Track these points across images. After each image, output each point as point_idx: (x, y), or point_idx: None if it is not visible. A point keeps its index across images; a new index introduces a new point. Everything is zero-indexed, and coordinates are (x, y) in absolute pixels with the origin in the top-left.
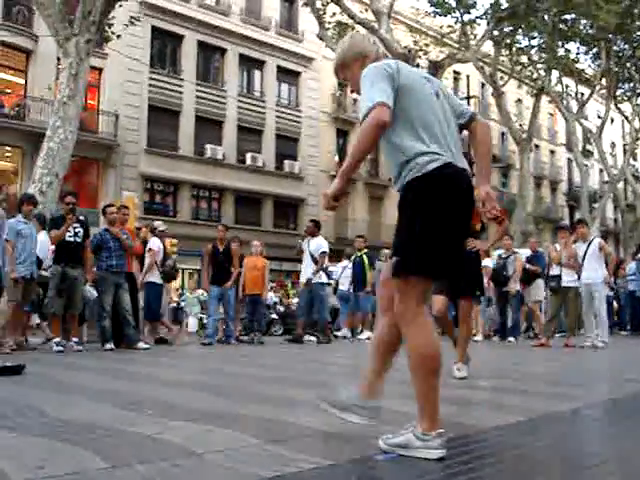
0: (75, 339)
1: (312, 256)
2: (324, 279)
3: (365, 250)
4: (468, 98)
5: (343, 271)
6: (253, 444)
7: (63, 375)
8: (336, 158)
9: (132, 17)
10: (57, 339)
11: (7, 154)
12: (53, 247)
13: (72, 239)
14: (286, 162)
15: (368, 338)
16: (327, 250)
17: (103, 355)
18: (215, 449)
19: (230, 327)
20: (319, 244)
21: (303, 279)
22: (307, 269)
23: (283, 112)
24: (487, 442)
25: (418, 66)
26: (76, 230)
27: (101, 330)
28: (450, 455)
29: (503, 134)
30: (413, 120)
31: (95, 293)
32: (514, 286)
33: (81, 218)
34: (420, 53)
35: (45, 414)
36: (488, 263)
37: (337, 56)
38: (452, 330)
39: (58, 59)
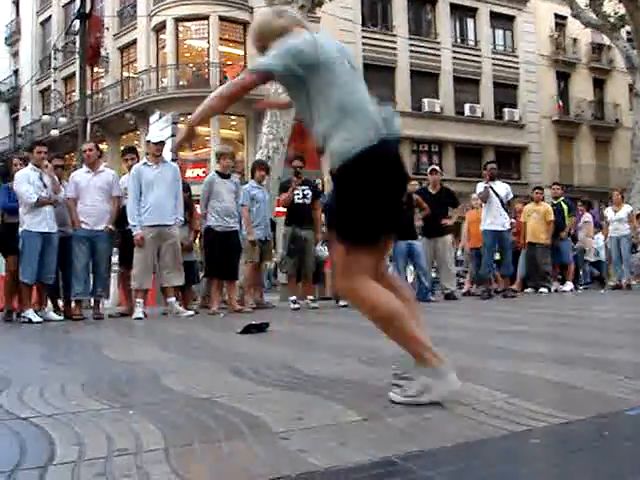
0: (310, 297)
1: (502, 201)
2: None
3: (562, 198)
4: None
5: None
6: (499, 398)
7: (304, 331)
8: (559, 102)
9: None
10: (293, 297)
11: (232, 123)
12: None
13: (301, 201)
14: (505, 110)
15: (571, 290)
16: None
17: (338, 311)
18: (463, 403)
19: (425, 283)
20: (507, 189)
21: (495, 226)
22: (498, 215)
23: (499, 59)
24: None
25: None
26: (305, 192)
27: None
28: None
29: None
30: (337, 100)
31: (326, 252)
32: None
33: (317, 182)
34: None
35: (294, 369)
36: None
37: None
38: None
39: None
